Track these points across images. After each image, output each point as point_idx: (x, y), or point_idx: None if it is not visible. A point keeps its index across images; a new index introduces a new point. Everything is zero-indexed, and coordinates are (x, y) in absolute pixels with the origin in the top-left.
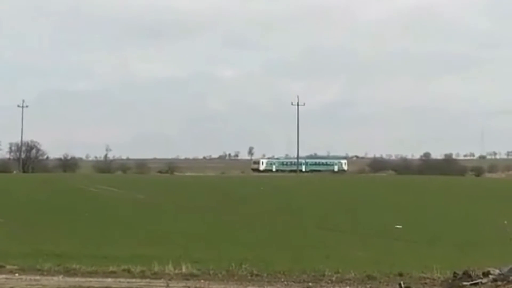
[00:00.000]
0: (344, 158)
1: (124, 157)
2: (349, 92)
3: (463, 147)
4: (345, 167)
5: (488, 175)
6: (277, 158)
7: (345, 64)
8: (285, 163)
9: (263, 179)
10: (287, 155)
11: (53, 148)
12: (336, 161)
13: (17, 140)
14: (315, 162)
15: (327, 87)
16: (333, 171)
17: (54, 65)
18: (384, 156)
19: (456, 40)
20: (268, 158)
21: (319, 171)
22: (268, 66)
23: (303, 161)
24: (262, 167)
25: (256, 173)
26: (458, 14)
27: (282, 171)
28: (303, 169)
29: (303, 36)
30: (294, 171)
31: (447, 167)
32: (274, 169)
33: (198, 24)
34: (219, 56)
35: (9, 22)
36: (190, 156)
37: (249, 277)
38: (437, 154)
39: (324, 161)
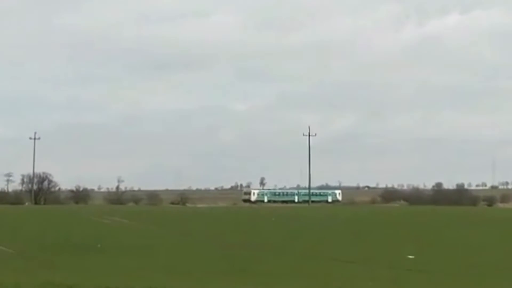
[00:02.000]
0: (339, 189)
1: (136, 188)
2: (360, 124)
3: (475, 177)
4: (339, 198)
5: (500, 205)
6: (269, 189)
7: (357, 95)
8: (277, 193)
9: (275, 209)
10: (298, 185)
11: (65, 180)
12: (330, 191)
13: (29, 171)
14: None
15: (339, 119)
16: (326, 201)
17: (65, 98)
18: (396, 186)
19: (466, 70)
20: (259, 189)
21: (312, 201)
22: (280, 98)
23: (295, 191)
24: (253, 198)
25: (247, 204)
26: (467, 44)
27: (275, 201)
28: (296, 200)
29: (314, 68)
30: (286, 202)
31: (459, 197)
32: (265, 200)
33: (210, 56)
34: (230, 88)
35: (22, 54)
36: (202, 187)
37: None
38: (449, 184)
39: (317, 191)
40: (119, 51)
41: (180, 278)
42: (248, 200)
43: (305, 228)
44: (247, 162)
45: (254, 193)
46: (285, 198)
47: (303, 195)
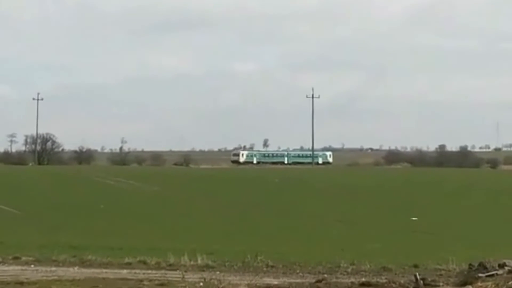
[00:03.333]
0: (329, 150)
1: (139, 149)
2: (364, 86)
3: (478, 140)
4: (330, 159)
5: (504, 167)
6: (258, 150)
7: (361, 58)
8: (266, 155)
9: (278, 171)
10: (301, 147)
11: (68, 141)
12: (320, 153)
13: (33, 132)
14: (298, 155)
15: (343, 81)
16: (317, 163)
17: (70, 59)
18: (399, 148)
19: (471, 34)
20: (249, 150)
21: (302, 163)
22: (284, 60)
23: (285, 153)
24: (242, 159)
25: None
26: (473, 8)
27: (264, 163)
28: (286, 161)
29: (319, 30)
30: (276, 163)
31: (463, 159)
32: (254, 161)
33: (214, 18)
34: (235, 50)
35: (25, 17)
36: (205, 149)
37: (265, 269)
38: (452, 146)
39: (307, 153)
40: (124, 12)
41: (180, 239)
42: (237, 162)
43: (309, 190)
44: (250, 124)
45: (242, 155)
46: (275, 160)
47: (293, 156)
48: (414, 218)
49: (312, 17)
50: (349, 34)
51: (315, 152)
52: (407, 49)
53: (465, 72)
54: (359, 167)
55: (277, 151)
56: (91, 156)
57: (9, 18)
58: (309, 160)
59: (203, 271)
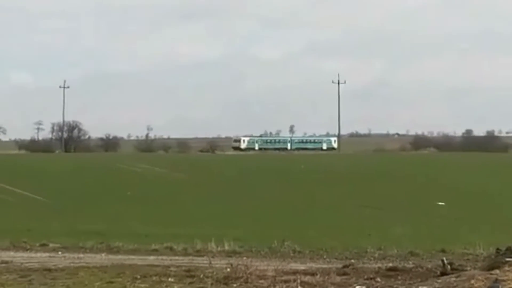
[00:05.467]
0: (333, 136)
1: (165, 136)
2: (391, 71)
3: (505, 124)
4: (335, 145)
5: None
6: (260, 136)
7: (388, 43)
8: (268, 141)
9: (304, 157)
10: (328, 133)
11: (94, 128)
12: (325, 138)
13: (59, 120)
14: (301, 140)
15: (369, 66)
16: (321, 149)
17: (96, 47)
18: (426, 133)
19: (498, 17)
20: (250, 136)
21: (305, 149)
22: (308, 45)
23: (288, 138)
24: (243, 146)
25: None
26: None
27: (266, 149)
28: (289, 147)
29: (345, 15)
30: (278, 149)
31: (490, 143)
32: (256, 148)
33: (239, 4)
34: (259, 35)
35: (51, 3)
36: (231, 135)
37: (292, 254)
38: (479, 131)
39: (312, 138)
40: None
41: (207, 225)
42: (238, 148)
43: (334, 176)
44: (276, 110)
45: (244, 141)
46: (277, 146)
47: (296, 142)
48: (441, 203)
49: (338, 2)
50: (375, 19)
51: (318, 138)
52: (434, 33)
53: (493, 55)
54: (385, 153)
55: (279, 137)
56: (117, 143)
57: (33, 5)
58: (313, 146)
59: (230, 256)
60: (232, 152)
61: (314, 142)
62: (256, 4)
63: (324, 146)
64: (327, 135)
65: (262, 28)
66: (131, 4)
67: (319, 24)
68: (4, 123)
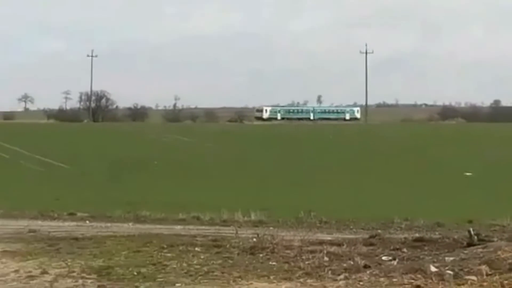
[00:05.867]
0: (357, 106)
1: (192, 106)
2: (419, 42)
3: None
4: (358, 115)
5: None
6: (283, 106)
7: (415, 14)
8: (291, 110)
9: (332, 127)
10: (355, 103)
11: (122, 98)
12: (348, 108)
13: (87, 90)
14: (324, 110)
15: (397, 37)
16: (344, 119)
17: (125, 17)
18: (454, 104)
19: None
20: (273, 106)
21: (328, 119)
22: (336, 16)
23: (311, 108)
24: (266, 115)
25: (260, 122)
26: None
27: (289, 119)
28: (311, 117)
29: None
30: (301, 119)
31: None
32: (279, 117)
33: None
34: (286, 7)
35: None
36: (259, 105)
37: (318, 225)
38: (507, 101)
39: (334, 108)
40: None
41: (234, 195)
42: (261, 118)
43: (362, 147)
44: (304, 80)
45: (266, 110)
46: (300, 116)
47: (319, 112)
48: (468, 174)
49: None
50: None
51: (342, 108)
52: (461, 5)
53: None
54: (412, 123)
55: (302, 106)
56: (145, 113)
57: None
58: (335, 116)
59: (257, 227)
60: (260, 123)
61: (337, 112)
62: None
63: (347, 116)
64: (355, 105)
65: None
66: None
67: None
68: (33, 92)
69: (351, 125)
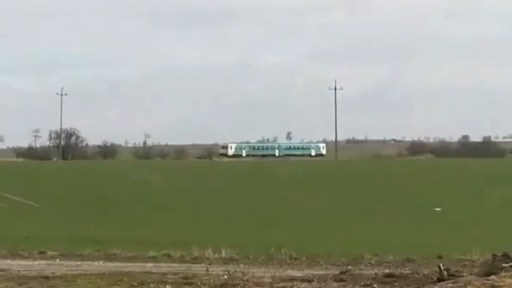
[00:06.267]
0: (323, 142)
1: (163, 143)
2: (387, 77)
3: (502, 130)
4: (324, 151)
5: None
6: (247, 142)
7: (384, 49)
8: (256, 147)
9: (300, 163)
10: (324, 139)
11: (92, 135)
12: (313, 145)
13: (57, 127)
14: (289, 147)
15: (366, 72)
16: (309, 155)
17: (93, 54)
18: (422, 139)
19: (494, 22)
20: (238, 143)
21: (294, 155)
22: (307, 52)
23: (276, 145)
24: (230, 152)
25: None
26: None
27: (253, 155)
28: (277, 154)
29: (341, 22)
30: (266, 155)
31: (486, 149)
32: (244, 154)
33: (238, 10)
34: (258, 42)
35: (47, 11)
36: (229, 142)
37: (289, 261)
38: (476, 137)
39: (300, 145)
40: (147, 4)
41: (205, 232)
42: (225, 154)
43: (329, 183)
44: (274, 116)
45: (231, 147)
46: (265, 152)
47: (284, 149)
48: (437, 209)
49: (334, 9)
50: (371, 26)
51: (307, 144)
52: (429, 39)
53: (488, 60)
54: (381, 159)
55: (267, 143)
56: (115, 150)
57: (30, 12)
58: (301, 152)
59: (227, 264)
60: (228, 159)
61: (303, 148)
62: (256, 11)
63: (313, 153)
64: (323, 141)
65: (261, 35)
66: (128, 8)
67: (317, 32)
68: (2, 130)
69: (320, 161)
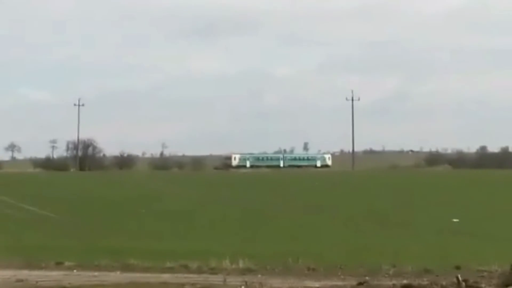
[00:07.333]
0: (328, 153)
1: (180, 154)
2: (404, 87)
3: None
4: (329, 162)
5: None
6: (251, 153)
7: (401, 58)
8: (260, 158)
9: (318, 174)
10: (341, 150)
11: (109, 146)
12: (319, 155)
13: (74, 138)
14: (294, 158)
15: (383, 82)
16: (315, 166)
17: (110, 64)
18: (440, 150)
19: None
20: (242, 153)
21: (299, 166)
22: (323, 62)
23: (281, 156)
24: (234, 163)
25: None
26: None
27: (258, 167)
28: (281, 165)
29: (358, 31)
30: (271, 166)
31: (504, 160)
32: (248, 165)
33: (254, 21)
34: (274, 52)
35: (65, 21)
36: (246, 152)
37: (306, 271)
38: (493, 147)
39: (305, 155)
40: (163, 17)
41: (222, 242)
42: (230, 166)
43: (347, 193)
44: (290, 127)
45: (235, 158)
46: (269, 163)
47: (289, 159)
48: (455, 220)
49: (351, 19)
50: (389, 35)
51: (312, 155)
52: (447, 49)
53: (506, 71)
54: (399, 170)
55: (272, 154)
56: (132, 161)
57: (51, 22)
58: (306, 163)
59: (245, 274)
60: (245, 170)
61: (308, 159)
62: (272, 21)
63: (318, 164)
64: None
65: (277, 45)
66: (145, 20)
67: (333, 42)
68: (20, 141)
69: (335, 172)
